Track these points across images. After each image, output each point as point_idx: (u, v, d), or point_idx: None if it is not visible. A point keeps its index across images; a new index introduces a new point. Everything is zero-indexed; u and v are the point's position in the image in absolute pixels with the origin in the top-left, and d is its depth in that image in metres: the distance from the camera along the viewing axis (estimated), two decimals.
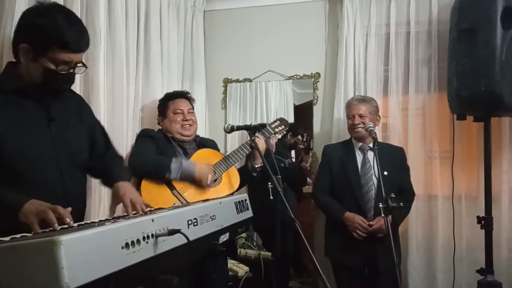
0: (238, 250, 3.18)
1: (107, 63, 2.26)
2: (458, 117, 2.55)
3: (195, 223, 1.38)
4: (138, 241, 1.11)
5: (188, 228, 1.34)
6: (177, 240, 1.25)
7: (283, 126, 2.57)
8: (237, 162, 2.44)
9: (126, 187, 1.60)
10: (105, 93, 2.23)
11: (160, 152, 2.32)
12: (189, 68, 3.21)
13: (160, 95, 2.61)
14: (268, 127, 2.51)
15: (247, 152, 2.42)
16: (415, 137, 2.93)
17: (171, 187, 2.25)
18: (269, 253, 2.91)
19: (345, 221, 2.48)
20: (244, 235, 3.26)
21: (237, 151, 2.42)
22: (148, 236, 1.14)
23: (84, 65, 1.49)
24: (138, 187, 2.15)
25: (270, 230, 2.53)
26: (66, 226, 1.23)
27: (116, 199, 1.59)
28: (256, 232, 3.25)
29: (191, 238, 1.27)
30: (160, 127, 2.51)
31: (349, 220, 2.46)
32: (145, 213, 1.46)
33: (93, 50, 2.04)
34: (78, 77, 1.76)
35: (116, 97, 2.33)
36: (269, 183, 2.09)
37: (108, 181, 1.68)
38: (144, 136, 2.38)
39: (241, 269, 2.81)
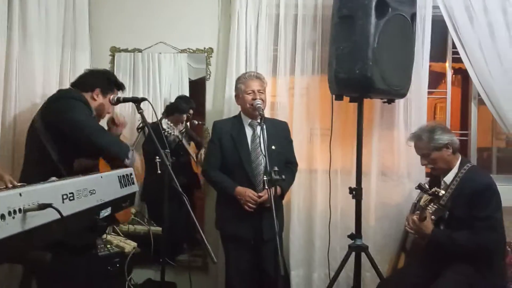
0: (127, 227, 3.12)
1: None
2: (336, 97, 2.74)
3: (71, 198, 1.32)
4: (2, 216, 1.03)
5: (63, 202, 1.28)
6: (50, 215, 1.18)
7: None
8: None
9: None
10: None
11: None
12: (70, 34, 2.96)
13: (37, 61, 2.38)
14: None
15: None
16: (300, 116, 3.10)
17: None
18: (159, 228, 2.90)
19: (236, 196, 2.55)
20: (133, 211, 3.20)
21: None
22: (14, 211, 1.07)
23: None
24: None
25: (159, 204, 2.52)
26: None
27: None
28: (148, 206, 3.22)
29: (66, 213, 1.22)
30: None
31: (241, 194, 2.54)
32: (14, 187, 1.35)
33: None
34: None
35: None
36: (157, 157, 2.07)
37: None
38: None
39: (128, 245, 2.77)
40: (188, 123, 3.24)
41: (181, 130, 2.64)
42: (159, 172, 2.11)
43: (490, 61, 2.90)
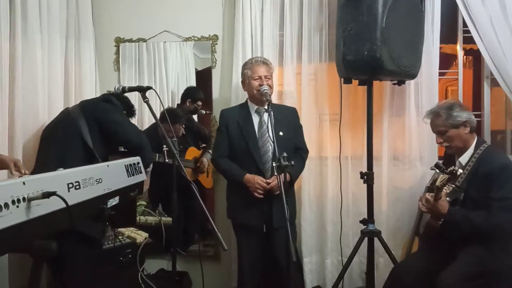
0: (138, 218, 3.12)
1: None
2: (344, 81, 2.70)
3: (77, 187, 1.30)
4: (6, 205, 1.01)
5: (69, 191, 1.26)
6: (56, 204, 1.17)
7: None
8: None
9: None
10: None
11: None
12: (74, 24, 2.93)
13: (40, 53, 2.37)
14: None
15: None
16: (308, 102, 3.05)
17: None
18: (170, 219, 2.90)
19: (245, 183, 2.53)
20: (143, 202, 3.20)
21: None
22: (18, 200, 1.05)
23: None
24: None
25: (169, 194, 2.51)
26: None
27: None
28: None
29: (72, 202, 1.20)
30: None
31: (249, 181, 2.52)
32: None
33: None
34: None
35: None
36: (164, 146, 2.05)
37: None
38: None
39: (140, 236, 2.77)
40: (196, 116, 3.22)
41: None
42: (167, 161, 2.10)
43: (503, 39, 2.80)
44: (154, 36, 3.20)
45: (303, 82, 3.05)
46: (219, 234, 1.76)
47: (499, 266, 2.18)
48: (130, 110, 2.63)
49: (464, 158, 2.35)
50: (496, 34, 2.81)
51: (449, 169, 2.18)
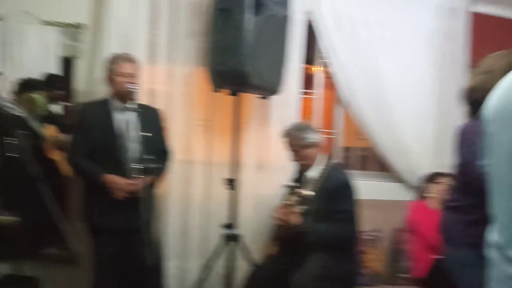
0: None
1: None
2: (214, 90, 2.76)
3: None
4: None
5: None
6: None
7: None
8: None
9: None
10: None
11: None
12: None
13: None
14: None
15: None
16: (179, 106, 3.04)
17: None
18: (13, 218, 2.61)
19: (104, 184, 2.40)
20: None
21: None
22: None
23: None
24: None
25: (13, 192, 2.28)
26: None
27: None
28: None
29: None
30: None
31: (109, 182, 2.39)
32: None
33: None
34: None
35: None
36: (6, 138, 1.85)
37: None
38: None
39: None
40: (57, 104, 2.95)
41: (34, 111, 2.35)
42: (8, 154, 1.89)
43: (354, 68, 3.20)
44: (10, 16, 2.81)
45: (176, 84, 3.04)
46: (73, 237, 1.65)
47: (341, 271, 2.47)
48: None
49: (313, 174, 2.60)
50: (348, 63, 3.20)
51: (296, 190, 2.44)
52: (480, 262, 1.12)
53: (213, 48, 2.55)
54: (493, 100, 1.00)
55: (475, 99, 1.75)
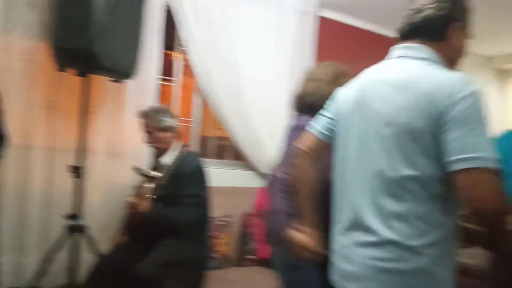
0: None
1: None
2: (59, 68, 2.54)
3: None
4: None
5: None
6: None
7: None
8: None
9: None
10: None
11: None
12: None
13: None
14: None
15: None
16: (18, 84, 2.72)
17: None
18: None
19: None
20: None
21: None
22: None
23: None
24: None
25: None
26: None
27: None
28: None
29: None
30: None
31: None
32: None
33: None
34: None
35: None
36: None
37: None
38: None
39: None
40: None
41: None
42: None
43: (211, 59, 3.27)
44: None
45: (13, 59, 2.70)
46: None
47: (190, 254, 2.49)
48: None
49: (167, 159, 2.59)
50: (205, 52, 3.24)
51: (148, 174, 2.39)
52: None
53: (60, 24, 2.31)
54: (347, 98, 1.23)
55: (306, 103, 1.93)
